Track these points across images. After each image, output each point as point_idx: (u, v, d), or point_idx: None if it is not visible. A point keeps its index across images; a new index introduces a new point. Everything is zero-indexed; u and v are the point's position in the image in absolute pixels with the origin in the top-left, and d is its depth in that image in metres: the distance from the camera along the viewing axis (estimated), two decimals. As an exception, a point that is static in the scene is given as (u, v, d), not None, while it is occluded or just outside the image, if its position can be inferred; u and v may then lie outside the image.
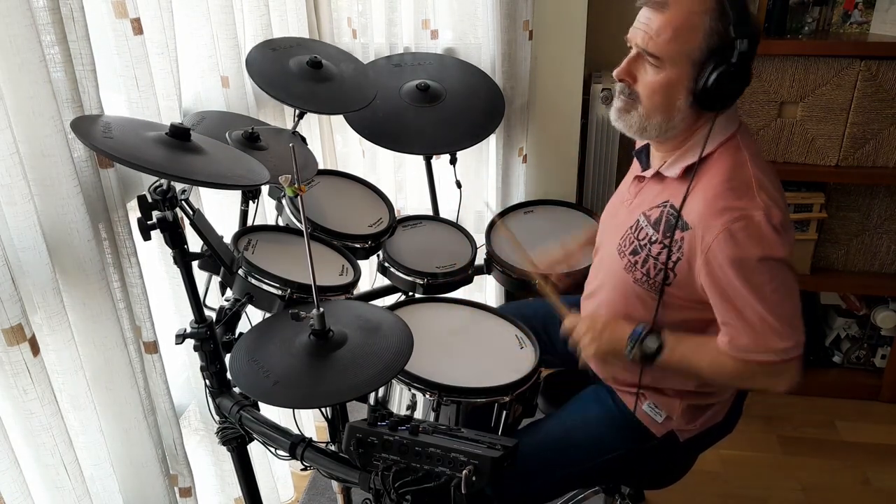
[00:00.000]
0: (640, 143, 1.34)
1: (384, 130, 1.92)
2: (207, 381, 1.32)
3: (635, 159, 1.32)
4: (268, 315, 1.38)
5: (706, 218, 1.12)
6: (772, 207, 1.09)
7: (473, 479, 0.91)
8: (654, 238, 1.20)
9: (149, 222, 1.13)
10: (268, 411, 1.33)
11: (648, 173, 1.26)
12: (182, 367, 1.59)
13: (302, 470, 1.24)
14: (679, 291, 1.19)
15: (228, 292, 1.41)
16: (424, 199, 2.12)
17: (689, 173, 1.17)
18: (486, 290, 2.43)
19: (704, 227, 1.12)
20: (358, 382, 1.06)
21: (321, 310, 1.11)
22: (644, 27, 1.13)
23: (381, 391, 1.31)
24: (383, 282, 1.79)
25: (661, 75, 1.13)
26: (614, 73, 1.20)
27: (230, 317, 1.35)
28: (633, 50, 1.17)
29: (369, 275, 1.91)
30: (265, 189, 1.68)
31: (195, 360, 1.34)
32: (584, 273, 1.50)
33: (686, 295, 1.19)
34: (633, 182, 1.31)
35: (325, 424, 1.40)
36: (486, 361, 1.36)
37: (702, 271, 1.14)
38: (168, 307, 1.50)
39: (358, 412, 1.29)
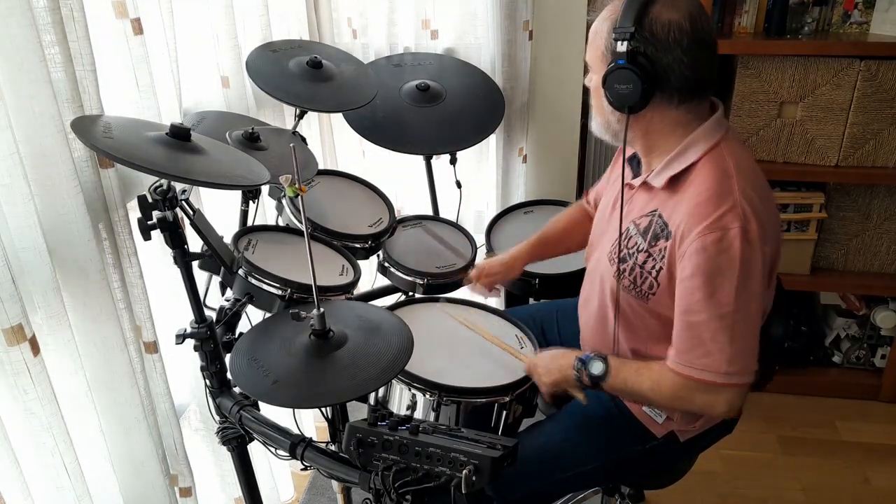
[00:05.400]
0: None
1: (384, 130, 1.92)
2: (207, 381, 1.32)
3: (627, 166, 1.32)
4: (268, 315, 1.38)
5: (685, 227, 1.12)
6: (750, 219, 1.08)
7: (473, 479, 0.91)
8: (641, 247, 1.20)
9: (149, 222, 1.13)
10: (268, 411, 1.33)
11: (638, 181, 1.27)
12: (182, 367, 1.59)
13: (302, 470, 1.24)
14: (665, 301, 1.19)
15: (228, 292, 1.41)
16: (424, 199, 2.12)
17: (674, 183, 1.18)
18: (486, 290, 2.43)
19: (682, 235, 1.12)
20: (358, 382, 1.06)
21: (321, 310, 1.11)
22: None
23: (381, 391, 1.31)
24: (383, 282, 1.79)
25: (592, 81, 1.22)
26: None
27: (230, 317, 1.35)
28: None
29: (369, 275, 1.91)
30: (265, 189, 1.68)
31: (195, 360, 1.34)
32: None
33: (671, 304, 1.18)
34: (626, 189, 1.32)
35: (325, 424, 1.40)
36: (486, 361, 1.36)
37: (677, 279, 1.14)
38: (168, 307, 1.50)
39: (358, 412, 1.29)
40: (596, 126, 1.26)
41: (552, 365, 1.28)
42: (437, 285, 1.69)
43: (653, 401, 1.23)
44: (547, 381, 1.28)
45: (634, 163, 1.30)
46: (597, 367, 1.21)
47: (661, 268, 1.17)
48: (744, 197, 1.10)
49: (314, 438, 1.23)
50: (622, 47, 1.10)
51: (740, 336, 1.11)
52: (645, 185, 1.24)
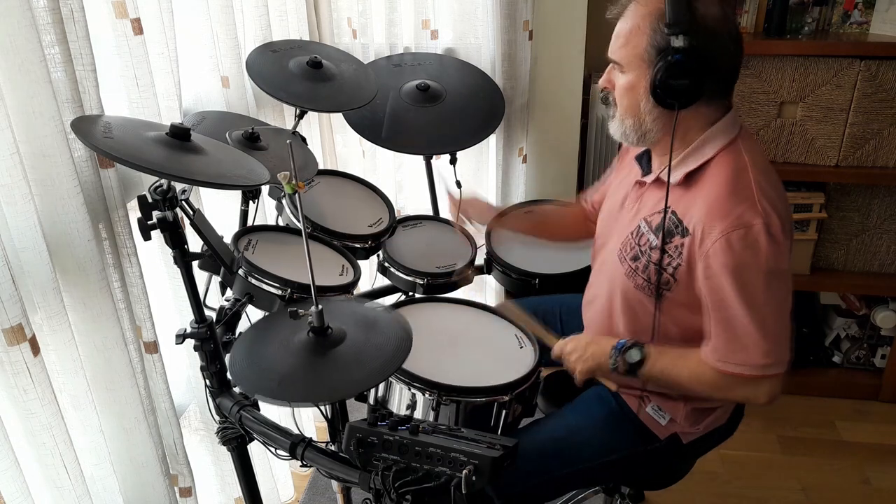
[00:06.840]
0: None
1: (384, 131, 1.91)
2: (207, 381, 1.32)
3: (635, 163, 1.32)
4: (266, 314, 1.38)
5: (705, 224, 1.12)
6: (771, 215, 1.09)
7: (473, 478, 0.91)
8: (654, 244, 1.20)
9: (149, 222, 1.13)
10: (268, 411, 1.33)
11: (649, 178, 1.26)
12: (182, 367, 1.59)
13: (301, 466, 1.24)
14: (680, 298, 1.19)
15: (228, 292, 1.41)
16: (424, 199, 2.12)
17: (689, 179, 1.18)
18: (486, 290, 2.43)
19: (704, 232, 1.12)
20: (360, 377, 1.06)
21: (319, 307, 1.10)
22: (612, 38, 1.20)
23: (381, 391, 1.31)
24: (383, 282, 1.79)
25: (624, 79, 1.18)
26: (598, 83, 1.26)
27: (230, 317, 1.35)
28: None
29: (369, 275, 1.91)
30: (265, 189, 1.68)
31: (195, 360, 1.34)
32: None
33: (686, 301, 1.19)
34: (635, 187, 1.31)
35: (325, 424, 1.40)
36: (486, 361, 1.36)
37: (701, 277, 1.14)
38: (168, 307, 1.50)
39: (358, 412, 1.29)
40: (622, 127, 1.22)
41: (587, 352, 1.28)
42: (437, 285, 1.69)
43: (691, 391, 1.23)
44: (582, 368, 1.28)
45: (644, 160, 1.30)
46: (634, 355, 1.21)
47: (678, 264, 1.17)
48: (761, 192, 1.11)
49: (314, 438, 1.23)
50: (679, 42, 1.08)
51: (773, 328, 1.13)
52: (657, 181, 1.24)
